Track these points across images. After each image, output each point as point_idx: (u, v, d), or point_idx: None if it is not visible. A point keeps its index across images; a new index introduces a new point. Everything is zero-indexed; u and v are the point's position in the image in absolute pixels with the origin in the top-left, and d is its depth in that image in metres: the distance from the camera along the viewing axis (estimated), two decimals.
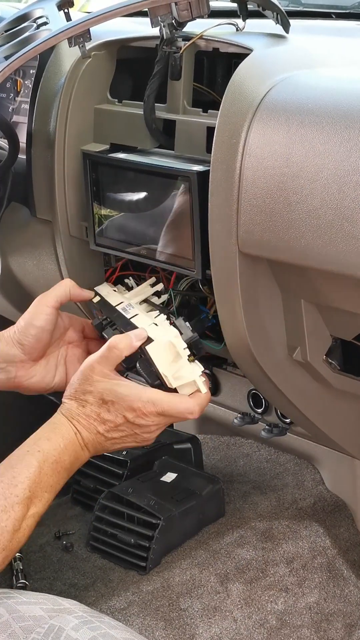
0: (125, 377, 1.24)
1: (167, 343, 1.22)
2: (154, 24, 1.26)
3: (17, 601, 1.01)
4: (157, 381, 1.23)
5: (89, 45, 1.35)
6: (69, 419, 1.20)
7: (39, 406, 1.70)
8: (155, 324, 1.25)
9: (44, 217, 1.52)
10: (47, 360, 1.34)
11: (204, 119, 1.26)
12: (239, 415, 1.53)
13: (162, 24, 1.27)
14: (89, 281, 1.45)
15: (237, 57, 1.27)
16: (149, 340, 1.23)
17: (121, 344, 1.22)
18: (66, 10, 1.45)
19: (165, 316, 1.27)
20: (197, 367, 1.23)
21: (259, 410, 1.51)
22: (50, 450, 1.16)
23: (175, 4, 1.24)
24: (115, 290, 1.37)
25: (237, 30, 1.33)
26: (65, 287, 1.32)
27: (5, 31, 1.53)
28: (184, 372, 1.23)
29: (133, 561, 1.52)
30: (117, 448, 1.24)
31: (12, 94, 1.57)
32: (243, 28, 1.33)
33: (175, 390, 1.23)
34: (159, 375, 1.22)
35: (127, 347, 1.22)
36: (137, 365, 1.23)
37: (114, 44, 1.41)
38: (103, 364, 1.22)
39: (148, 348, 1.22)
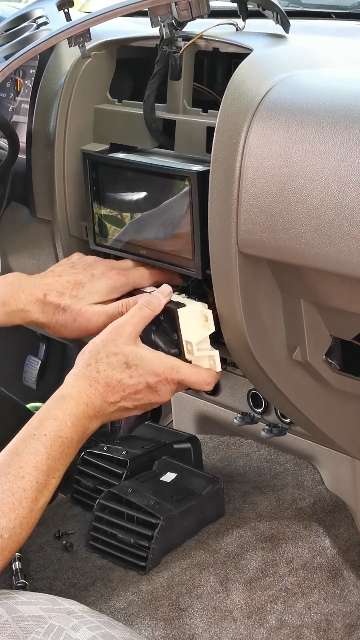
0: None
1: (198, 311, 1.22)
2: (154, 23, 1.26)
3: (16, 601, 1.01)
4: (175, 349, 1.22)
5: (88, 45, 1.35)
6: (81, 388, 1.16)
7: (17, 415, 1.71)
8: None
9: (43, 217, 1.52)
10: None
11: (203, 118, 1.26)
12: (238, 415, 1.53)
13: (162, 24, 1.27)
14: None
15: (237, 57, 1.27)
16: (179, 304, 1.23)
17: (154, 300, 1.21)
18: (66, 10, 1.46)
19: (186, 295, 1.28)
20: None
21: (259, 410, 1.51)
22: (57, 431, 1.12)
23: (175, 3, 1.24)
24: None
25: (237, 30, 1.33)
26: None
27: (5, 31, 1.53)
28: (206, 345, 1.23)
29: (133, 561, 1.52)
30: (122, 417, 1.22)
31: (12, 94, 1.57)
32: (243, 28, 1.33)
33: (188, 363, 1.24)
34: (179, 343, 1.22)
35: (158, 305, 1.22)
36: (154, 333, 1.23)
37: (114, 43, 1.41)
38: (135, 324, 1.20)
39: (180, 311, 1.21)
